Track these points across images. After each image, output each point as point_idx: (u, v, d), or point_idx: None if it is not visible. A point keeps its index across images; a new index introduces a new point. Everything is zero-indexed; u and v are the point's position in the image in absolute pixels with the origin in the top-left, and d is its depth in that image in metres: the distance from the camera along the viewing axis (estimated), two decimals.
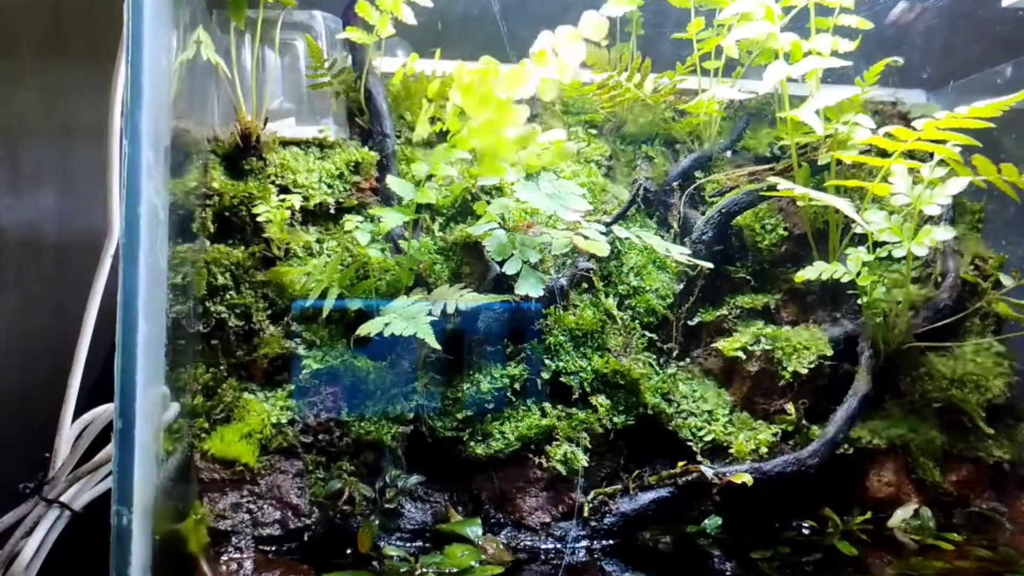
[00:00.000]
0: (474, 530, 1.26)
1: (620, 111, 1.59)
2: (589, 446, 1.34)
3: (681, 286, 1.47)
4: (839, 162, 1.40)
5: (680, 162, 1.55)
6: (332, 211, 1.40)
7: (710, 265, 1.41)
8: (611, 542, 1.28)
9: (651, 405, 1.38)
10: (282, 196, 1.35)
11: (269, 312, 1.33)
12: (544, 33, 1.16)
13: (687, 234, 1.50)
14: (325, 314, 1.30)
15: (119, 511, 0.82)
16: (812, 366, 1.40)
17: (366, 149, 1.44)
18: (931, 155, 1.29)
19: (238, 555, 1.17)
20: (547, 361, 1.36)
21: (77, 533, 1.15)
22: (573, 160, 1.51)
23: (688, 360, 1.48)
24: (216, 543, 1.18)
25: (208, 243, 1.32)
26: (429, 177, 1.30)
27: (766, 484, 1.30)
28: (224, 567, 1.14)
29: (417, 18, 1.36)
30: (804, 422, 1.39)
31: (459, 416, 1.32)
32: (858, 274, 1.33)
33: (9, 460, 1.26)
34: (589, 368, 1.37)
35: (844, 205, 1.26)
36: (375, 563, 1.19)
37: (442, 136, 1.46)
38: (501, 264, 1.27)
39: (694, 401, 1.41)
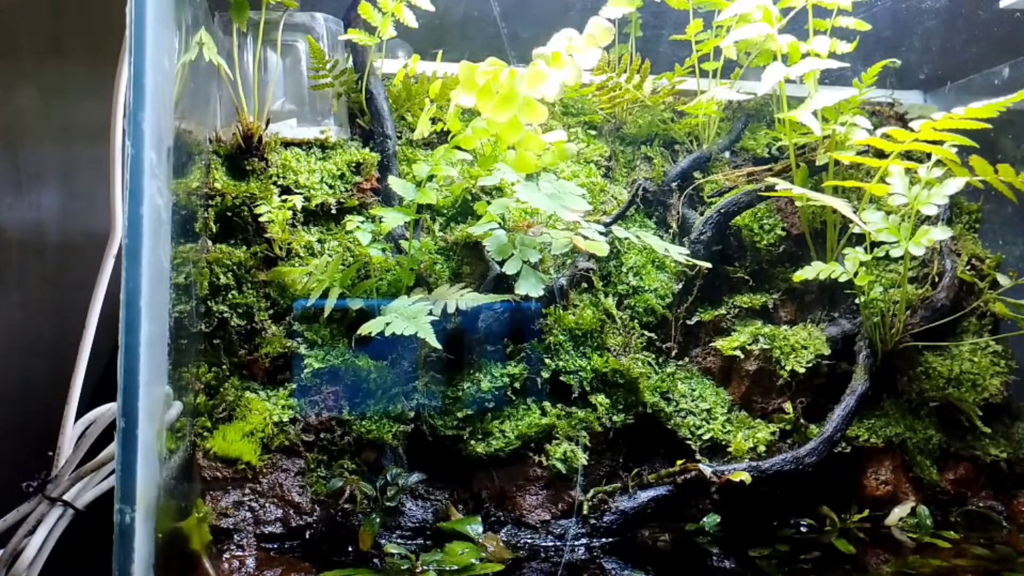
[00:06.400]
0: (474, 528, 1.26)
1: (619, 112, 1.60)
2: (589, 445, 1.35)
3: (680, 286, 1.48)
4: (837, 163, 1.41)
5: (679, 163, 1.56)
6: (333, 211, 1.40)
7: (709, 265, 1.42)
8: (610, 540, 1.29)
9: (650, 404, 1.38)
10: (284, 196, 1.36)
11: (271, 312, 1.34)
12: (557, 35, 1.18)
13: (686, 234, 1.50)
14: (327, 314, 1.31)
15: (122, 509, 0.82)
16: (810, 365, 1.40)
17: (367, 150, 1.44)
18: (928, 156, 1.30)
19: (240, 553, 1.18)
20: (547, 360, 1.37)
21: (80, 531, 1.15)
22: (573, 160, 1.52)
23: (687, 359, 1.48)
24: (218, 541, 1.18)
25: (210, 243, 1.33)
26: (430, 177, 1.30)
27: (764, 482, 1.31)
28: (226, 565, 1.14)
29: (418, 20, 1.36)
30: (802, 421, 1.40)
31: (459, 415, 1.33)
32: (856, 274, 1.33)
33: (12, 459, 1.26)
34: (589, 367, 1.38)
35: (842, 205, 1.27)
36: (376, 561, 1.19)
37: (442, 136, 1.47)
38: (501, 264, 1.28)
39: (693, 400, 1.42)
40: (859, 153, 1.38)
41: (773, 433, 1.39)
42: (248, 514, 1.22)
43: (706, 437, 1.38)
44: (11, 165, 1.52)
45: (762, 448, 1.37)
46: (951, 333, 1.51)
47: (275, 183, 1.37)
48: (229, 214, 1.34)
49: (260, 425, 1.26)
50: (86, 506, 1.16)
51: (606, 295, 1.44)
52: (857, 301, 1.43)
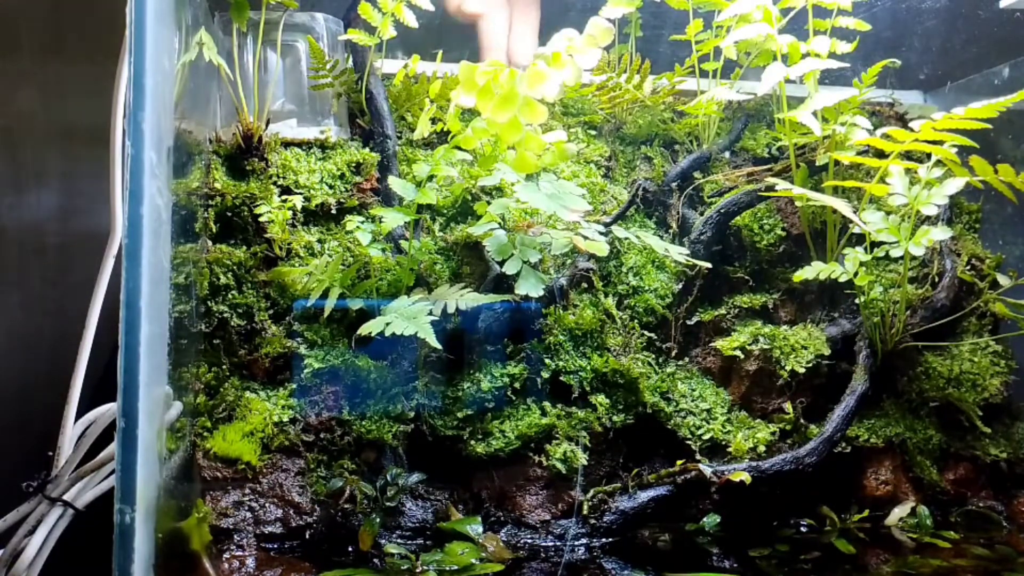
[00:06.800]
0: (474, 528, 1.27)
1: (619, 112, 1.60)
2: (589, 445, 1.35)
3: (680, 286, 1.48)
4: (837, 163, 1.41)
5: (679, 163, 1.56)
6: (333, 211, 1.40)
7: (708, 265, 1.42)
8: (610, 540, 1.29)
9: (650, 404, 1.38)
10: (284, 196, 1.36)
11: (271, 312, 1.34)
12: (557, 35, 1.18)
13: (686, 234, 1.50)
14: (326, 314, 1.31)
15: (122, 509, 0.82)
16: (810, 365, 1.40)
17: (367, 150, 1.44)
18: (928, 156, 1.30)
19: (240, 553, 1.18)
20: (547, 360, 1.37)
21: (80, 531, 1.15)
22: (573, 160, 1.52)
23: (687, 359, 1.48)
24: (218, 541, 1.18)
25: (210, 243, 1.33)
26: (430, 177, 1.30)
27: (764, 482, 1.31)
28: (226, 565, 1.14)
29: (418, 20, 1.36)
30: (802, 421, 1.40)
31: (459, 415, 1.33)
32: (856, 274, 1.33)
33: (12, 459, 1.27)
34: (589, 367, 1.38)
35: (842, 205, 1.27)
36: (376, 561, 1.19)
37: (442, 137, 1.47)
38: (501, 264, 1.28)
39: (693, 400, 1.42)
40: (859, 153, 1.38)
41: (773, 433, 1.39)
42: (248, 514, 1.22)
43: (706, 437, 1.38)
44: (11, 165, 1.52)
45: (762, 448, 1.37)
46: (951, 333, 1.51)
47: (275, 183, 1.37)
48: (229, 214, 1.34)
49: (260, 425, 1.26)
50: (86, 506, 1.16)
51: (606, 295, 1.44)
52: (857, 301, 1.43)
